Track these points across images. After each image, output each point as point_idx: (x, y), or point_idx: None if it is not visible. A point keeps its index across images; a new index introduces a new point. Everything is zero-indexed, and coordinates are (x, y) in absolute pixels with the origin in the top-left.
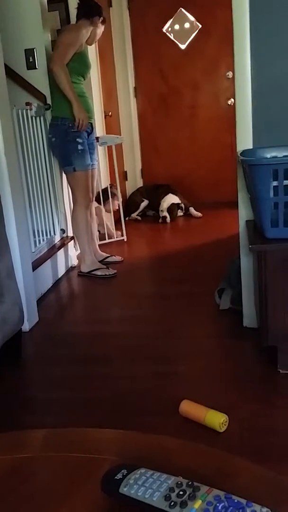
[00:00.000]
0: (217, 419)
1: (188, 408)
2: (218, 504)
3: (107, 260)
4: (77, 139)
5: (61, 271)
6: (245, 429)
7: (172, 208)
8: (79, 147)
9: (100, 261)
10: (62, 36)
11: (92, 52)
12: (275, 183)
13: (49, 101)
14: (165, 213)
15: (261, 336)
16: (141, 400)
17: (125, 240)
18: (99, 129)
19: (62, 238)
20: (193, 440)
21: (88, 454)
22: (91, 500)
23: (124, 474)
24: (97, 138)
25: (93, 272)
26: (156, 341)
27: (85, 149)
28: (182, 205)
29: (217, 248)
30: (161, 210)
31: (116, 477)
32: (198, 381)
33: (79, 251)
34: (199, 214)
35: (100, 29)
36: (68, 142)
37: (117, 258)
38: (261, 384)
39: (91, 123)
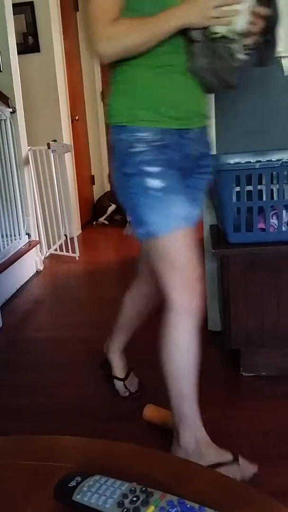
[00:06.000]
0: None
1: (152, 412)
2: (170, 510)
3: None
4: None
5: (27, 276)
6: (209, 432)
7: None
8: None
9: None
10: None
11: (59, 56)
12: (237, 189)
13: (12, 104)
14: None
15: (224, 339)
16: (106, 405)
17: (77, 259)
18: (66, 134)
19: (27, 243)
20: (157, 444)
21: (44, 461)
22: (43, 509)
23: (78, 481)
24: (48, 144)
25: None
26: None
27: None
28: None
29: None
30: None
31: (69, 485)
32: (162, 386)
33: (44, 256)
34: None
35: None
36: None
37: None
38: (225, 387)
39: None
